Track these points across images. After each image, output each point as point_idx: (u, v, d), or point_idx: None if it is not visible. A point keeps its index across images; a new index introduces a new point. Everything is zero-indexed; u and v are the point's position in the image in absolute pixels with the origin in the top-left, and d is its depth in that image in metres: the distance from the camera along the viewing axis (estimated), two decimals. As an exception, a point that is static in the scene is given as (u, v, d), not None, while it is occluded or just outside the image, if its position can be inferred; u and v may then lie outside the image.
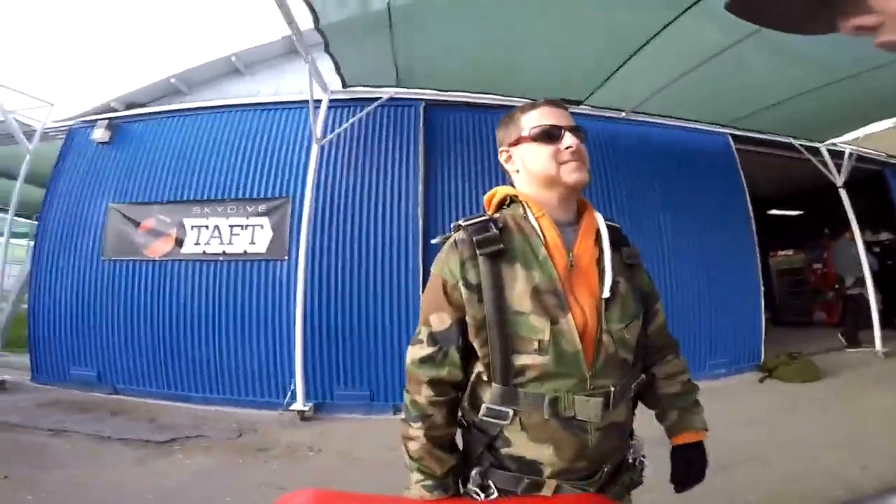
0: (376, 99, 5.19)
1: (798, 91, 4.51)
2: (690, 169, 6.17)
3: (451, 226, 1.06)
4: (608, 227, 1.04)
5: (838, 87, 4.33)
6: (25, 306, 6.09)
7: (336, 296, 4.99)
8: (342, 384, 4.88)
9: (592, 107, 5.15)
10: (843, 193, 6.76)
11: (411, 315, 4.91)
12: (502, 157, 1.12)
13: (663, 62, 4.12)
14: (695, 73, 4.22)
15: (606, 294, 0.95)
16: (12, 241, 6.71)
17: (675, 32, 3.61)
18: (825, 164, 6.71)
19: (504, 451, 0.94)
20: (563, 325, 0.91)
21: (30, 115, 6.14)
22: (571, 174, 0.99)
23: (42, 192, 6.08)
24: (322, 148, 4.99)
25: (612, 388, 0.93)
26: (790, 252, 10.71)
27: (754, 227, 6.33)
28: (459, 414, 1.04)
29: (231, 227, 5.24)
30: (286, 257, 5.08)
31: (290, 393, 4.68)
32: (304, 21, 3.67)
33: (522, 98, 5.05)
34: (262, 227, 5.20)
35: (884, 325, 6.42)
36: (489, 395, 0.94)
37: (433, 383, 0.97)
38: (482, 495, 0.94)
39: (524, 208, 1.01)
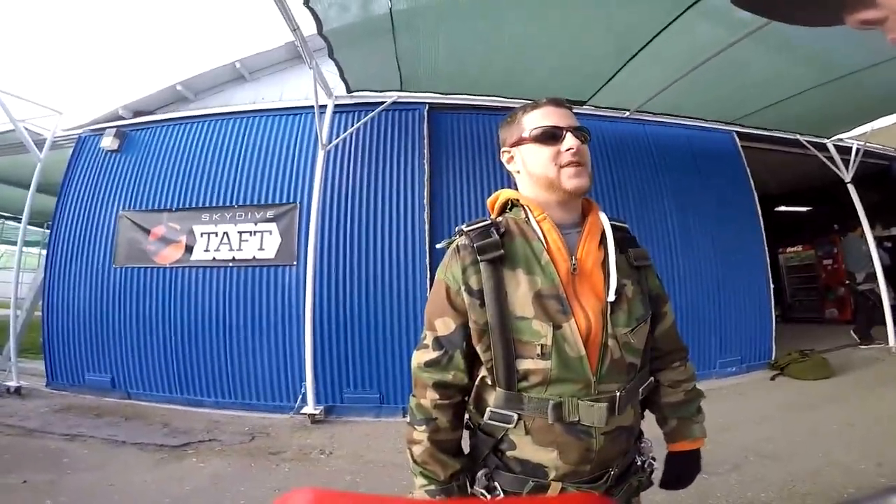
0: (380, 103, 5.22)
1: (803, 87, 4.49)
2: (696, 167, 6.15)
3: (455, 230, 1.05)
4: (615, 227, 1.02)
5: (844, 83, 4.31)
6: (39, 313, 6.16)
7: (345, 299, 5.02)
8: (352, 387, 4.90)
9: (596, 107, 5.14)
10: (851, 189, 6.70)
11: (419, 317, 4.92)
12: (504, 158, 1.10)
13: (666, 61, 4.12)
14: (698, 71, 4.20)
15: (611, 297, 0.94)
16: (24, 249, 6.77)
17: (677, 31, 3.60)
18: (832, 160, 6.66)
19: (509, 453, 0.94)
20: (566, 329, 0.90)
21: (39, 124, 6.21)
22: (571, 179, 0.97)
23: (53, 200, 6.16)
24: (328, 153, 5.03)
25: (618, 393, 0.92)
26: (800, 248, 10.61)
27: (762, 224, 6.29)
28: (466, 417, 1.04)
29: (240, 233, 5.28)
30: (295, 262, 5.11)
31: (300, 396, 4.71)
32: (308, 27, 3.71)
33: (527, 100, 5.06)
34: (270, 232, 5.24)
35: (897, 320, 6.33)
36: (493, 399, 0.94)
37: (438, 387, 0.98)
38: (488, 497, 0.94)
39: (526, 212, 1.00)
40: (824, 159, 6.59)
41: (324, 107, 4.99)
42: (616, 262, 0.97)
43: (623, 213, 5.55)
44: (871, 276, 6.71)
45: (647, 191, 5.83)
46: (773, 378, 5.35)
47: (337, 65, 4.36)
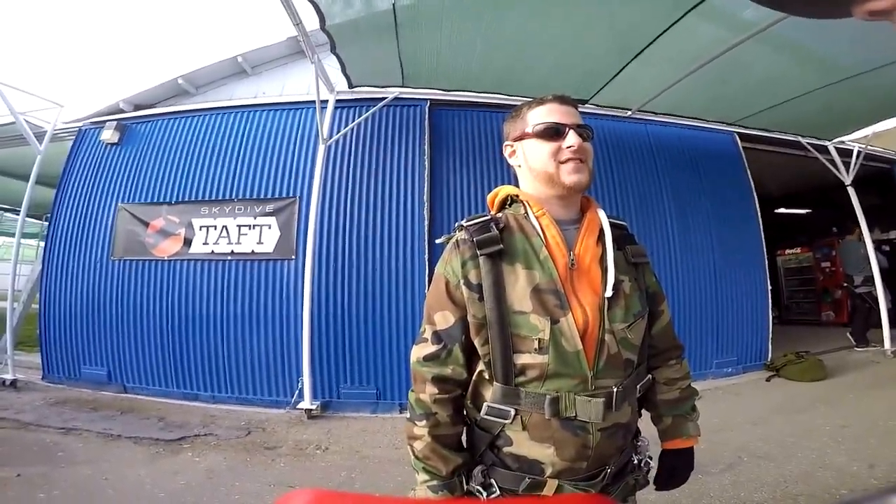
0: (382, 99, 5.22)
1: (805, 89, 4.49)
2: (697, 167, 6.15)
3: (455, 226, 1.06)
4: (613, 225, 1.04)
5: (846, 86, 4.31)
6: (36, 306, 6.15)
7: (343, 294, 5.02)
8: (349, 382, 4.90)
9: (598, 105, 5.14)
10: (851, 192, 6.71)
11: (418, 312, 4.92)
12: (506, 152, 1.11)
13: (669, 61, 4.12)
14: (700, 71, 4.20)
15: (609, 293, 0.94)
16: (22, 241, 6.76)
17: (680, 31, 3.60)
18: (833, 163, 6.66)
19: (506, 449, 0.94)
20: (564, 324, 0.90)
21: (40, 117, 6.19)
22: (570, 175, 0.98)
23: (52, 192, 6.15)
24: (328, 148, 5.02)
25: (615, 389, 0.92)
26: (798, 250, 10.64)
27: (761, 226, 6.30)
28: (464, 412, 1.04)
29: (239, 226, 5.28)
30: (293, 257, 5.11)
31: (297, 391, 4.71)
32: (311, 22, 3.70)
33: (527, 97, 5.05)
34: (269, 226, 5.23)
35: (893, 324, 6.36)
36: (490, 394, 0.95)
37: (438, 381, 0.97)
38: (484, 494, 0.94)
39: (525, 207, 1.01)
40: (825, 162, 6.60)
41: (325, 102, 4.98)
42: (614, 259, 0.98)
43: (623, 212, 5.55)
44: (869, 280, 6.72)
45: (648, 190, 5.83)
46: (768, 379, 5.36)
47: (339, 60, 4.36)
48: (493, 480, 0.95)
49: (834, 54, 3.83)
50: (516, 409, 0.92)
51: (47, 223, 6.87)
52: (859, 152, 6.58)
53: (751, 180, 6.38)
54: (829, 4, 0.44)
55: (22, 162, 6.94)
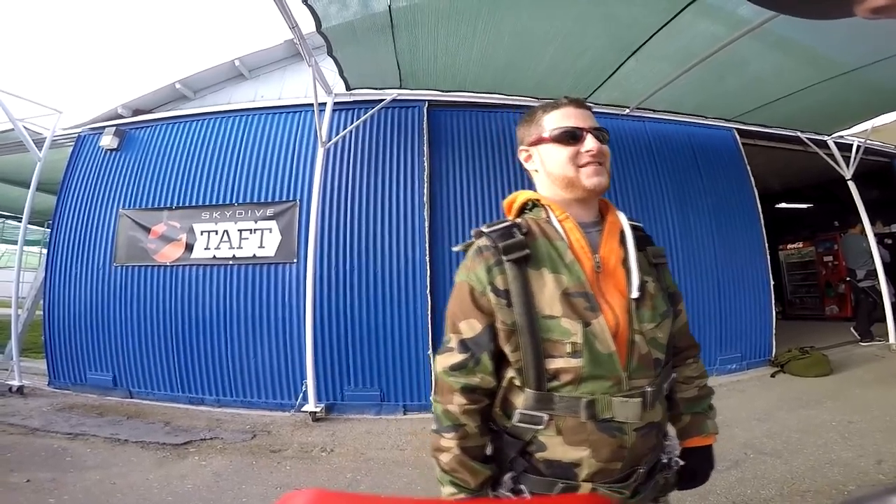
0: (380, 101, 5.22)
1: (804, 84, 4.49)
2: (696, 164, 6.15)
3: (472, 232, 1.05)
4: (631, 226, 1.04)
5: (844, 80, 4.31)
6: (41, 313, 6.17)
7: (345, 297, 5.03)
8: (353, 385, 4.91)
9: (596, 104, 5.13)
10: (852, 186, 6.70)
11: (419, 314, 4.94)
12: (522, 156, 1.11)
13: (666, 58, 4.12)
14: (698, 68, 4.20)
15: (636, 294, 0.95)
16: (25, 248, 6.78)
17: (676, 28, 3.60)
18: (833, 157, 6.66)
19: (538, 455, 0.92)
20: (596, 326, 0.90)
21: (38, 123, 6.21)
22: (591, 178, 0.99)
23: (53, 199, 6.17)
24: (327, 151, 5.02)
25: (648, 389, 0.93)
26: (800, 245, 10.62)
27: (762, 221, 6.29)
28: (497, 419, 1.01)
29: (240, 231, 5.29)
30: (295, 260, 5.12)
31: (301, 394, 4.72)
32: (307, 25, 3.71)
33: (525, 97, 5.07)
34: (270, 230, 5.24)
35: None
36: (523, 401, 0.93)
37: (466, 391, 0.95)
38: (513, 498, 0.93)
39: (547, 211, 1.01)
40: (825, 156, 6.59)
41: (323, 104, 4.99)
42: (637, 260, 0.99)
43: (623, 210, 5.49)
44: (872, 273, 6.71)
45: (648, 188, 5.83)
46: (773, 375, 5.36)
47: (336, 62, 4.36)
48: (522, 487, 0.93)
49: (831, 49, 3.83)
50: (550, 415, 0.90)
51: (49, 230, 6.88)
52: (859, 147, 6.57)
53: (751, 176, 6.38)
54: (829, 4, 0.44)
55: (22, 169, 6.96)
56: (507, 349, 0.94)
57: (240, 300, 5.17)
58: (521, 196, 1.08)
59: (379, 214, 5.20)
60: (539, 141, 1.04)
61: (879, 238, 7.20)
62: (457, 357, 0.96)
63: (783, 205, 11.37)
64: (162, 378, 5.27)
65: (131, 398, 5.27)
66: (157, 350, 5.29)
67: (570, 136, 1.00)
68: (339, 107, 5.36)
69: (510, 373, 0.95)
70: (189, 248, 5.35)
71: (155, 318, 5.34)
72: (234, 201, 5.41)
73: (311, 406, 4.53)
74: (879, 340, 6.38)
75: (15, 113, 5.65)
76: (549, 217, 1.00)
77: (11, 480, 3.11)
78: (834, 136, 6.45)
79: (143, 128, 6.08)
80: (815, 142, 6.47)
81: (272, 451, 3.77)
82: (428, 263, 5.01)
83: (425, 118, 5.47)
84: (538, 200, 1.04)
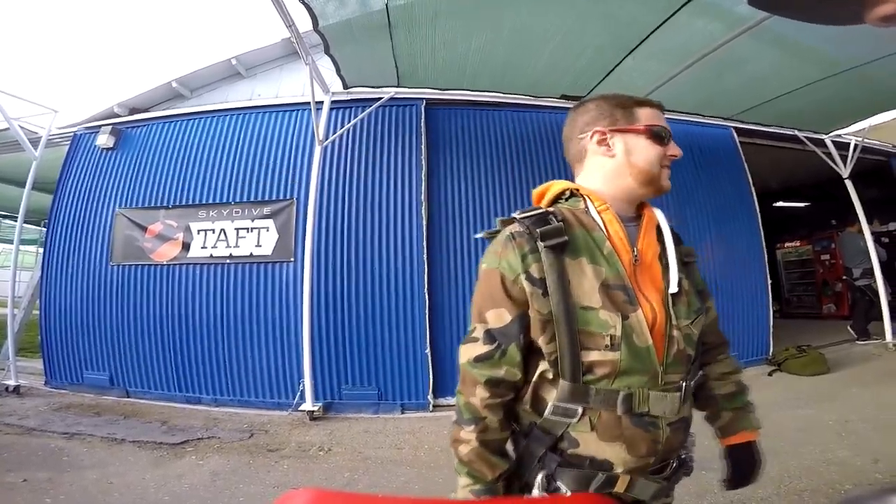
0: (377, 99, 5.21)
1: (802, 83, 4.49)
2: (694, 163, 6.14)
3: (498, 220, 1.02)
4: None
5: (842, 79, 4.31)
6: (37, 312, 6.15)
7: (342, 295, 5.02)
8: (350, 383, 4.91)
9: (594, 102, 5.13)
10: (849, 184, 6.71)
11: (417, 313, 4.93)
12: (588, 137, 1.04)
13: (665, 56, 4.11)
14: (697, 66, 4.20)
15: (674, 289, 0.95)
16: (21, 247, 6.76)
17: (675, 26, 3.60)
18: (830, 156, 6.66)
19: (571, 451, 0.90)
20: (634, 320, 0.89)
21: (34, 122, 6.18)
22: (667, 180, 1.03)
23: (49, 198, 6.15)
24: (325, 149, 5.01)
25: (683, 383, 0.93)
26: (797, 243, 10.64)
27: (760, 219, 6.30)
28: (522, 416, 0.98)
29: (237, 230, 5.28)
30: (292, 259, 5.11)
31: (299, 393, 4.71)
32: (304, 23, 3.69)
33: (523, 95, 5.06)
34: (267, 229, 5.23)
35: (893, 316, 6.36)
36: (556, 394, 0.90)
37: (490, 384, 0.92)
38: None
39: (585, 201, 0.99)
40: (822, 155, 6.60)
41: (320, 103, 4.98)
42: (674, 255, 0.99)
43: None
44: (869, 272, 6.71)
45: (645, 187, 5.81)
46: (770, 374, 5.37)
47: (333, 61, 4.34)
48: (559, 484, 0.89)
49: (829, 48, 3.83)
50: (584, 408, 0.88)
51: (45, 229, 6.86)
52: (856, 145, 6.58)
53: (749, 174, 6.39)
54: (839, 11, 0.43)
55: (18, 168, 6.93)
56: (541, 340, 0.91)
57: (237, 299, 5.16)
58: (558, 185, 1.06)
59: (376, 213, 5.19)
60: (630, 130, 1.02)
61: (876, 237, 7.22)
62: (482, 348, 0.92)
63: (781, 203, 11.39)
64: (159, 377, 5.26)
65: (128, 397, 5.26)
66: (153, 349, 5.28)
67: (662, 137, 1.02)
68: (337, 105, 5.35)
69: (542, 366, 0.93)
70: (186, 247, 5.34)
71: (151, 317, 5.33)
72: (230, 200, 5.40)
73: (308, 405, 4.53)
74: (876, 339, 6.39)
75: (10, 112, 5.63)
76: (587, 207, 0.98)
77: (8, 480, 3.10)
78: (832, 134, 6.47)
79: (139, 126, 6.06)
80: (813, 140, 6.48)
81: (269, 450, 3.77)
82: (426, 262, 5.00)
83: (423, 117, 5.46)
84: (577, 190, 1.02)
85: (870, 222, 6.86)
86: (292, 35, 3.89)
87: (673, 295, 0.95)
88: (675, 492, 1.01)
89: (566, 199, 1.04)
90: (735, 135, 6.44)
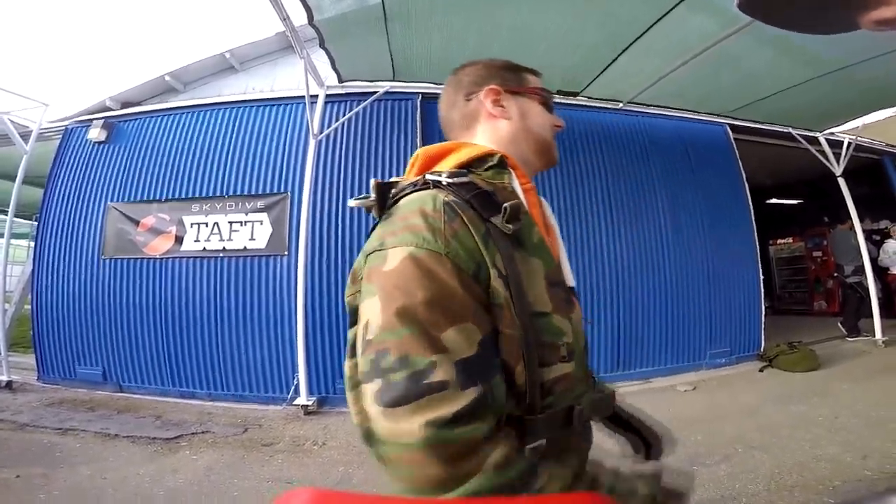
0: (373, 93, 5.18)
1: (796, 81, 4.51)
2: (689, 159, 6.17)
3: (374, 182, 0.73)
4: None
5: (836, 77, 4.34)
6: (29, 307, 6.11)
7: (337, 289, 5.00)
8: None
9: (590, 98, 5.14)
10: (841, 182, 6.76)
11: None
12: (486, 97, 0.87)
13: (660, 53, 4.12)
14: (692, 63, 4.21)
15: (572, 282, 0.80)
16: (12, 241, 6.69)
17: (671, 23, 3.60)
18: (824, 154, 6.70)
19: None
20: (575, 320, 0.73)
21: (25, 116, 6.11)
22: (556, 151, 0.91)
23: (40, 192, 6.09)
24: (319, 143, 4.98)
25: (594, 378, 0.84)
26: (790, 240, 10.72)
27: (753, 216, 6.34)
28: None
29: (230, 223, 5.25)
30: (286, 252, 5.09)
31: (293, 387, 4.71)
32: (299, 16, 3.66)
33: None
34: (261, 222, 5.21)
35: (883, 313, 6.43)
36: (524, 435, 0.63)
37: (487, 450, 0.56)
38: None
39: (511, 176, 0.77)
40: (815, 153, 6.63)
41: (315, 97, 4.94)
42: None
43: (615, 203, 5.60)
44: (860, 269, 6.78)
45: (639, 182, 5.84)
46: (761, 370, 5.41)
47: (328, 55, 4.32)
48: None
49: (823, 46, 3.84)
50: (548, 438, 0.65)
51: (36, 223, 6.80)
52: (849, 143, 6.62)
53: (742, 171, 6.42)
54: (835, 19, 0.43)
55: (8, 162, 6.85)
56: (517, 369, 0.64)
57: (230, 292, 5.14)
58: (472, 148, 0.80)
59: (371, 208, 5.16)
60: (524, 91, 0.88)
61: (868, 234, 7.29)
62: (460, 399, 0.55)
63: (774, 200, 11.46)
64: (152, 372, 5.24)
65: (121, 392, 5.23)
66: (147, 344, 5.26)
67: (550, 106, 0.91)
68: (331, 99, 5.33)
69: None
70: (179, 240, 5.31)
71: (144, 311, 5.30)
72: (224, 193, 5.37)
73: (302, 399, 4.52)
74: (866, 336, 6.46)
75: (0, 106, 5.56)
76: (511, 184, 0.76)
77: (1, 476, 3.09)
78: (825, 132, 6.50)
79: (131, 120, 6.00)
80: (807, 138, 6.51)
81: (264, 444, 3.77)
82: (420, 258, 4.99)
83: (419, 110, 5.44)
84: (505, 157, 0.79)
85: (861, 220, 6.91)
86: (286, 28, 3.86)
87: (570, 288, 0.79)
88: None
89: (487, 169, 0.77)
90: (729, 132, 6.47)
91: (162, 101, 6.12)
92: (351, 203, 0.78)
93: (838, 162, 6.69)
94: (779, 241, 10.96)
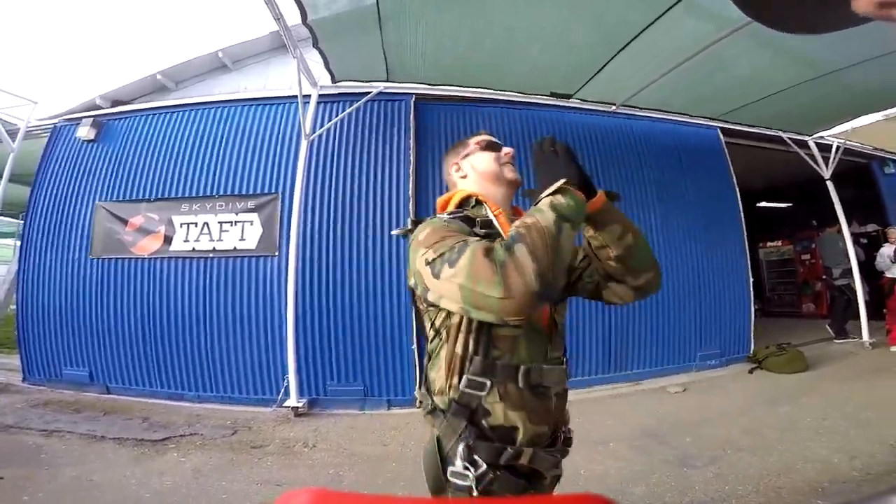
0: (366, 94, 5.16)
1: (787, 85, 4.56)
2: (680, 162, 6.22)
3: (410, 220, 1.16)
4: None
5: (826, 81, 4.38)
6: (14, 307, 6.02)
7: (327, 291, 4.99)
8: (336, 379, 4.88)
9: (582, 101, 5.15)
10: (830, 186, 6.84)
11: (403, 308, 4.92)
12: (452, 170, 1.30)
13: (653, 56, 4.14)
14: (684, 67, 4.23)
15: None
16: (-1, 240, 6.61)
17: (664, 26, 3.62)
18: (813, 157, 6.78)
19: (485, 421, 1.00)
20: None
21: (12, 114, 6.04)
22: (510, 172, 1.23)
23: (27, 190, 6.01)
24: (311, 143, 4.96)
25: (566, 358, 1.13)
26: (779, 243, 10.83)
27: (743, 219, 6.39)
28: (441, 394, 1.05)
29: (220, 223, 5.21)
30: (276, 253, 5.06)
31: (283, 389, 4.68)
32: (292, 16, 3.65)
33: (513, 91, 5.06)
34: (251, 223, 5.17)
35: (871, 316, 6.50)
36: (471, 367, 1.01)
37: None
38: (471, 470, 0.96)
39: (485, 208, 1.15)
40: (805, 156, 6.70)
41: (308, 97, 4.92)
42: None
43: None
44: (847, 272, 6.86)
45: (631, 184, 5.87)
46: (751, 371, 5.46)
47: (322, 54, 4.30)
48: (476, 457, 0.97)
49: (814, 50, 3.88)
50: (492, 381, 1.00)
51: (23, 222, 6.71)
52: (838, 147, 6.70)
53: (733, 175, 6.47)
54: (837, 14, 0.43)
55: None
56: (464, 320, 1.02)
57: (220, 293, 5.10)
58: (461, 193, 1.23)
59: (363, 208, 5.16)
60: (469, 153, 1.27)
61: (855, 238, 7.37)
62: (474, 242, 0.91)
63: (764, 203, 11.57)
64: (140, 373, 5.18)
65: (108, 394, 5.16)
66: (134, 344, 5.20)
67: (493, 146, 1.26)
68: (324, 99, 5.31)
69: (460, 340, 1.02)
70: (168, 240, 5.26)
71: (132, 311, 5.24)
72: (214, 193, 5.32)
73: (293, 401, 4.49)
74: (853, 338, 6.54)
75: (-13, 103, 5.50)
76: (487, 214, 1.14)
77: (-16, 478, 3.03)
78: (815, 136, 6.57)
79: (121, 119, 5.94)
80: (797, 142, 6.58)
81: (253, 446, 3.74)
82: (413, 259, 4.98)
83: (412, 112, 5.44)
84: (479, 197, 1.19)
85: (849, 223, 7.00)
86: (280, 28, 3.84)
87: None
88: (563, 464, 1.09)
89: (472, 207, 1.18)
90: (721, 135, 6.52)
91: (153, 100, 6.08)
92: (394, 233, 1.32)
93: (827, 165, 6.77)
94: (768, 244, 11.06)
